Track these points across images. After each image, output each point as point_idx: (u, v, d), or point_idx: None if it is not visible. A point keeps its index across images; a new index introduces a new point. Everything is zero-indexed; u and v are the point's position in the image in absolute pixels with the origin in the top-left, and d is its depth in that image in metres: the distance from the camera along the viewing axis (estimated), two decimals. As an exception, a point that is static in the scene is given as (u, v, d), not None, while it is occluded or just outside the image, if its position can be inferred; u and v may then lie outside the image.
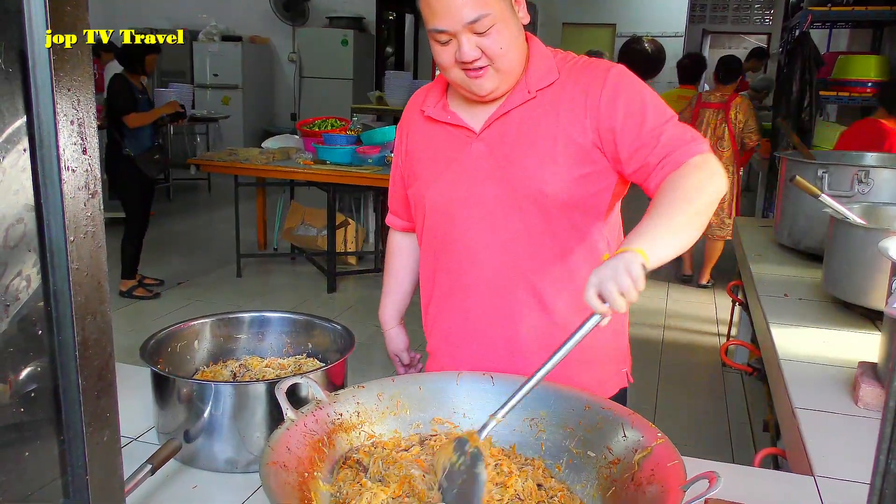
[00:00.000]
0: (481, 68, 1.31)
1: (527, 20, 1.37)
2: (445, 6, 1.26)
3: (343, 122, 6.05)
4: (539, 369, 1.08)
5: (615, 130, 1.32)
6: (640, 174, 1.33)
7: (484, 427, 1.09)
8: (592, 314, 1.09)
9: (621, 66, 1.39)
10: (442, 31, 1.28)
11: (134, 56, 5.07)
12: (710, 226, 5.33)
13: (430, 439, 1.20)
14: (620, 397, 1.53)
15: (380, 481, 1.08)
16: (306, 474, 1.04)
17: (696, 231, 1.21)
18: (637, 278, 1.08)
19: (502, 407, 1.09)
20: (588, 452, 1.14)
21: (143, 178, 5.11)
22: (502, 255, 1.41)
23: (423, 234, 1.52)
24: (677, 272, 6.01)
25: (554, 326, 1.41)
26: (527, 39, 1.41)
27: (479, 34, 1.28)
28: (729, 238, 5.37)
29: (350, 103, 9.08)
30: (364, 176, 5.19)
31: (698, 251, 5.65)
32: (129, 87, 5.02)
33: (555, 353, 1.07)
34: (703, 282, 5.90)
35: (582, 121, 1.34)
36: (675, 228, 1.19)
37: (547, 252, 1.39)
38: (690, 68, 6.06)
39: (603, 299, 1.07)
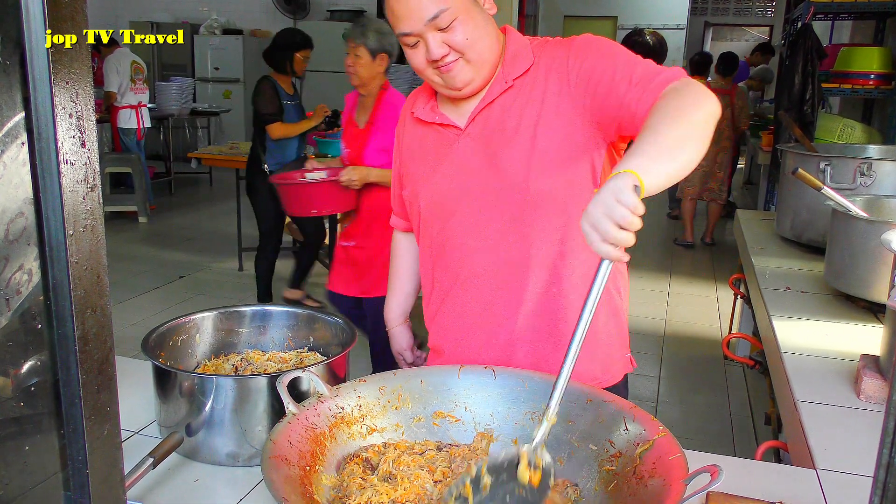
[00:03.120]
0: (452, 62, 1.33)
1: (493, 11, 1.38)
2: (406, 8, 1.29)
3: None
4: (569, 348, 1.02)
5: (593, 86, 1.30)
6: (628, 120, 1.27)
7: (537, 433, 1.03)
8: (601, 262, 1.00)
9: (588, 34, 1.40)
10: (408, 34, 1.31)
11: (282, 54, 4.42)
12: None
13: (447, 448, 1.19)
14: (624, 383, 1.54)
15: (386, 481, 1.08)
16: (308, 468, 1.04)
17: (694, 147, 1.12)
18: (632, 204, 0.98)
19: (548, 406, 1.03)
20: (590, 446, 1.13)
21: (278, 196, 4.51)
22: (494, 250, 1.42)
23: (420, 234, 1.55)
24: (677, 239, 7.14)
25: (550, 316, 1.42)
26: (504, 32, 1.42)
27: (443, 30, 1.30)
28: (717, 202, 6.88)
29: (351, 97, 9.06)
30: (365, 169, 5.17)
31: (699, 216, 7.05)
32: (275, 92, 4.41)
33: (579, 322, 1.00)
34: (690, 240, 7.08)
35: (559, 97, 1.34)
36: (671, 144, 1.10)
37: (537, 242, 1.39)
38: (701, 64, 7.36)
39: (607, 240, 0.99)
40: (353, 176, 3.09)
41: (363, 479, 1.08)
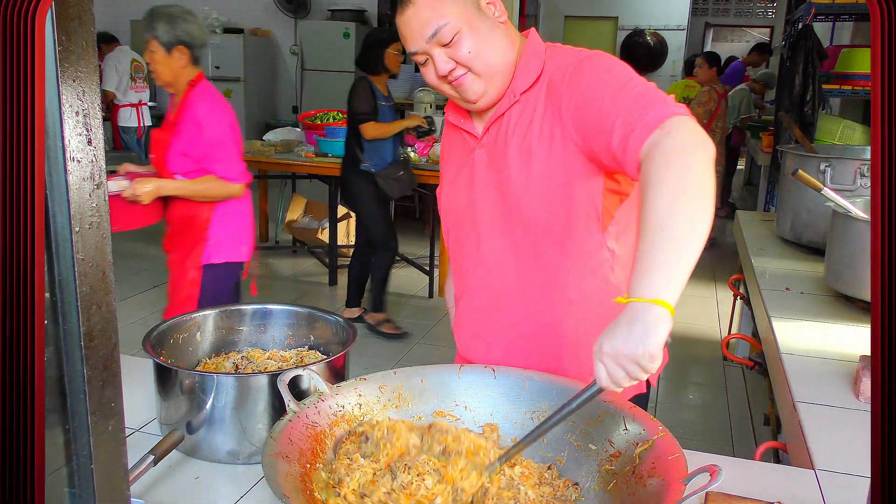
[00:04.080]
0: (460, 76, 1.32)
1: (504, 18, 1.35)
2: (409, 29, 1.30)
3: (345, 115, 6.03)
4: (536, 428, 1.09)
5: (581, 122, 1.24)
6: (615, 166, 1.22)
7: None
8: (593, 381, 1.01)
9: (601, 52, 1.31)
10: (416, 53, 1.32)
11: (374, 53, 4.24)
12: None
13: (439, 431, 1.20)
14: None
15: (369, 456, 1.09)
16: (308, 466, 1.05)
17: (705, 219, 1.04)
18: (651, 366, 0.96)
19: (500, 459, 1.11)
20: (589, 445, 1.14)
21: (382, 196, 4.44)
22: (495, 264, 1.42)
23: (445, 235, 1.57)
24: None
25: (543, 340, 1.41)
26: (526, 37, 1.40)
27: (447, 45, 1.29)
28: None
29: (352, 96, 9.06)
30: (366, 169, 5.17)
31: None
32: (370, 92, 4.26)
33: (553, 415, 1.06)
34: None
35: (553, 125, 1.30)
36: (683, 234, 1.02)
37: (532, 267, 1.38)
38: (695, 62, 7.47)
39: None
40: (137, 191, 2.58)
41: (350, 458, 1.09)
